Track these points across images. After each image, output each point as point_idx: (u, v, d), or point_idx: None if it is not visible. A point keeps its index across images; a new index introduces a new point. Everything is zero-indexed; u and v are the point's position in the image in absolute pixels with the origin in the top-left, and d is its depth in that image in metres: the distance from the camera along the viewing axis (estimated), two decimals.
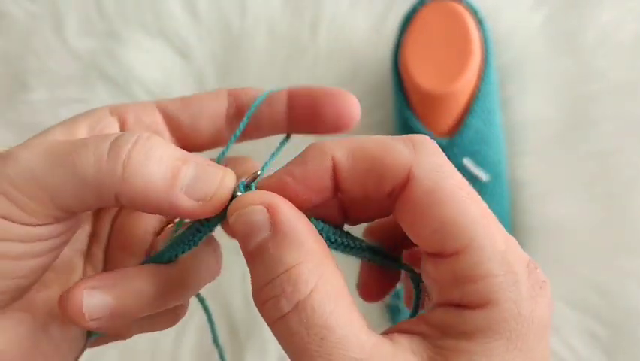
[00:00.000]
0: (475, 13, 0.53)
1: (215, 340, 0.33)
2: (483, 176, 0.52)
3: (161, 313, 0.29)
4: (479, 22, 0.52)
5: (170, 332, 0.57)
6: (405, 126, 0.53)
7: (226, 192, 0.25)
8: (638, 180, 0.53)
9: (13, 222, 0.24)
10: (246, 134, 0.31)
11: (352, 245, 0.27)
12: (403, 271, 0.30)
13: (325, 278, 0.22)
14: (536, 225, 0.55)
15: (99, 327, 0.26)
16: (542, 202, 0.55)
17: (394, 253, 0.29)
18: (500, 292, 0.22)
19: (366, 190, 0.24)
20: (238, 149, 0.31)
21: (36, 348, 0.27)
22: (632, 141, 0.54)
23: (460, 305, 0.23)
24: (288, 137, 0.31)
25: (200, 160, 0.25)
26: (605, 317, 0.52)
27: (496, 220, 0.24)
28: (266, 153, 0.29)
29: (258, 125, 0.31)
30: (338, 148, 0.24)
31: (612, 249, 0.53)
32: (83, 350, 0.30)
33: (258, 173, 0.26)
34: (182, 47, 0.61)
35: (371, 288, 0.30)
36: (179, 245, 0.27)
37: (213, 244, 0.30)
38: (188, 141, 0.31)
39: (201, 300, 0.32)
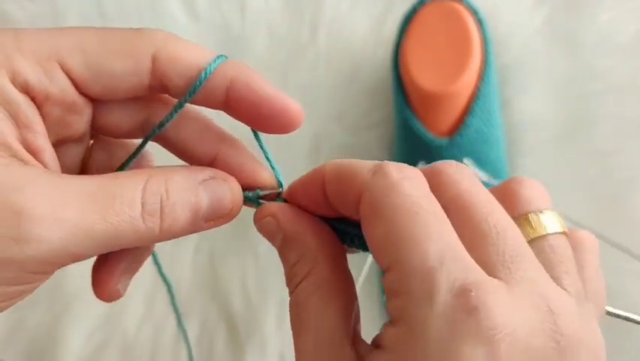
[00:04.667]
0: (475, 13, 0.53)
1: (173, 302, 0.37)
2: (483, 176, 0.52)
3: None
4: (479, 22, 0.52)
5: (170, 330, 0.57)
6: (405, 126, 0.53)
7: (239, 206, 0.28)
8: (638, 180, 0.53)
9: (18, 285, 0.24)
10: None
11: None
12: None
13: (317, 270, 0.26)
14: None
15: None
16: None
17: None
18: (410, 310, 0.21)
19: (340, 207, 0.26)
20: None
21: None
22: (632, 141, 0.54)
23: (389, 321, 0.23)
24: (255, 134, 0.29)
25: (207, 175, 0.27)
26: (605, 317, 0.52)
27: (446, 235, 0.22)
28: None
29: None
30: (329, 167, 0.26)
31: (612, 249, 0.53)
32: None
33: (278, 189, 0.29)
34: None
35: None
36: None
37: None
38: (105, 128, 0.28)
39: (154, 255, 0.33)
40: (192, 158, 0.29)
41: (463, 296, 0.20)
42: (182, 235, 0.26)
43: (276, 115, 0.27)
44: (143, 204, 0.24)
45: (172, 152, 0.29)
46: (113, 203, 0.24)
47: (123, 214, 0.24)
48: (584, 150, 0.55)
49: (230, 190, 0.27)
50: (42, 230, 0.22)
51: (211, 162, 0.28)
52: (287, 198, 0.28)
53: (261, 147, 0.29)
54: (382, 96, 0.58)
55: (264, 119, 0.27)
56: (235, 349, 0.56)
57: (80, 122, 0.27)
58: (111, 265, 0.28)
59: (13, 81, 0.24)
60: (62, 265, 0.24)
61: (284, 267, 0.27)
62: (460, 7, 0.52)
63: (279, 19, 0.60)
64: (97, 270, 0.29)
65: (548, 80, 0.56)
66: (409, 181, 0.23)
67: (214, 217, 0.27)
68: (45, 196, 0.23)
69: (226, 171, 0.28)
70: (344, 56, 0.59)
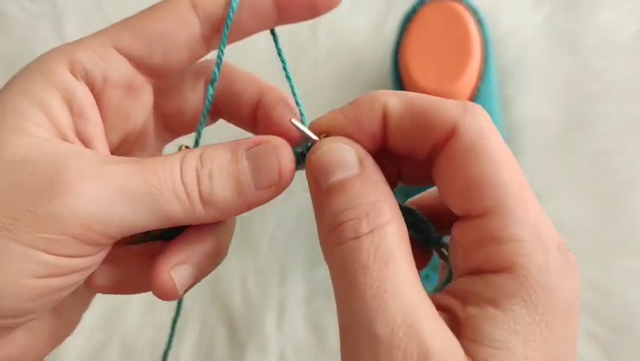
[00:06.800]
0: (475, 13, 0.53)
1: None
2: None
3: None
4: (479, 22, 0.52)
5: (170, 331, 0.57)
6: None
7: (289, 168, 0.26)
8: (638, 180, 0.53)
9: (71, 257, 0.23)
10: (230, 39, 0.29)
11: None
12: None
13: (398, 219, 0.23)
14: None
15: (182, 294, 0.27)
16: (542, 202, 0.54)
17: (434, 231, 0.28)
18: (527, 257, 0.22)
19: (411, 143, 0.25)
20: None
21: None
22: (632, 141, 0.54)
23: (482, 270, 0.23)
24: (272, 32, 0.30)
25: (251, 143, 0.26)
26: (605, 317, 0.52)
27: (533, 195, 0.24)
28: None
29: (241, 27, 0.28)
30: (390, 96, 0.25)
31: (612, 249, 0.53)
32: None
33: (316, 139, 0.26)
34: None
35: None
36: None
37: None
38: (163, 77, 0.28)
39: None
40: (246, 118, 0.30)
41: (564, 253, 0.23)
42: (238, 209, 0.26)
43: None
44: (181, 173, 0.25)
45: (231, 120, 0.31)
46: (155, 168, 0.24)
47: (165, 179, 0.24)
48: (584, 150, 0.55)
49: (277, 152, 0.26)
50: (81, 184, 0.22)
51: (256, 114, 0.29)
52: (330, 128, 0.26)
53: (288, 77, 0.30)
54: None
55: None
56: (235, 349, 0.56)
57: (140, 109, 0.27)
58: (166, 254, 0.27)
59: (72, 71, 0.25)
60: (112, 237, 0.23)
61: (350, 198, 0.23)
62: (460, 7, 0.52)
63: None
64: (154, 261, 0.27)
65: (548, 80, 0.56)
66: (495, 128, 0.24)
67: (265, 184, 0.26)
68: (88, 161, 0.23)
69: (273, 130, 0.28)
70: (344, 55, 0.59)
